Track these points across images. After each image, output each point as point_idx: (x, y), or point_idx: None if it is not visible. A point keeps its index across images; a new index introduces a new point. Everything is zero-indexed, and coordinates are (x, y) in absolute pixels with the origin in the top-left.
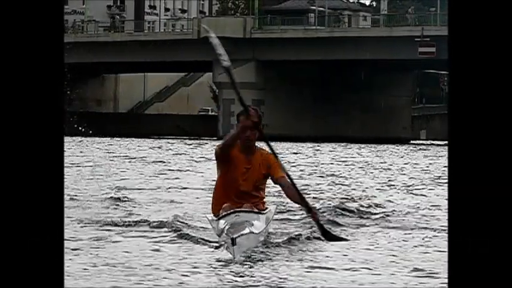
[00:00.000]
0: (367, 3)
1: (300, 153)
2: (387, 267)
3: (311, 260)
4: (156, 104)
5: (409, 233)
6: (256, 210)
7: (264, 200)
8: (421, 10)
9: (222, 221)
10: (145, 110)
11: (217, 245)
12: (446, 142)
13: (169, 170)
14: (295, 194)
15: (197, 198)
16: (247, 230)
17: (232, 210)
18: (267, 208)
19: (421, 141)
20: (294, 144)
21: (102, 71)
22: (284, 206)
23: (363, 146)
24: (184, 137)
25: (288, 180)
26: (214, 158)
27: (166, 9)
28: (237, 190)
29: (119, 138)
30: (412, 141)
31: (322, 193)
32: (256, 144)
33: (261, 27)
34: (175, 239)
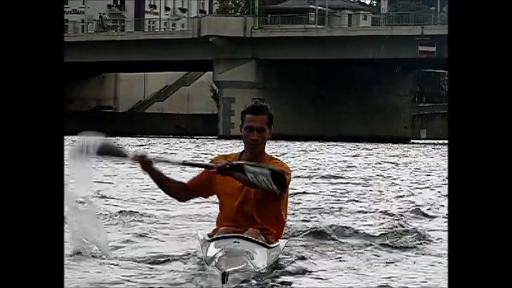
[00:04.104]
0: (368, 2)
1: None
2: (387, 268)
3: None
4: (156, 103)
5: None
6: (262, 241)
7: (276, 229)
8: (421, 9)
9: (215, 245)
10: (145, 110)
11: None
12: (447, 141)
13: None
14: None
15: None
16: (244, 265)
17: (231, 234)
18: (277, 242)
19: (421, 141)
20: (300, 143)
21: (102, 70)
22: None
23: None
24: (185, 136)
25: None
26: None
27: (167, 8)
28: (237, 213)
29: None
30: (412, 141)
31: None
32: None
33: (261, 27)
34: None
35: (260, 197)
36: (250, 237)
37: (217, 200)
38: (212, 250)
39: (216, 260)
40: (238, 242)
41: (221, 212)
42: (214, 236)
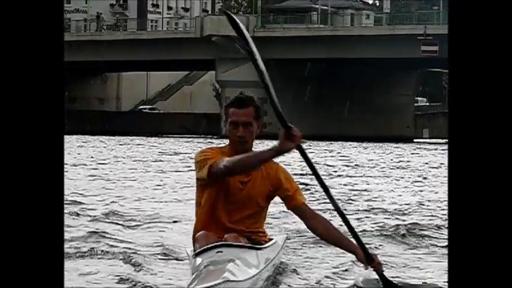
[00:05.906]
0: (370, 1)
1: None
2: (388, 267)
3: None
4: (158, 102)
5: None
6: (249, 244)
7: (262, 227)
8: (424, 8)
9: (198, 259)
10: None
11: None
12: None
13: None
14: (332, 230)
15: None
16: (226, 277)
17: (213, 244)
18: (271, 240)
19: (424, 140)
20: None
21: (104, 70)
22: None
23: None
24: (187, 135)
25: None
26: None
27: (169, 8)
28: (225, 219)
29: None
30: (415, 140)
31: None
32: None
33: (264, 26)
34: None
35: (259, 209)
36: (234, 242)
37: (201, 196)
38: (195, 266)
39: (196, 275)
40: (222, 252)
41: (205, 213)
42: (197, 250)
